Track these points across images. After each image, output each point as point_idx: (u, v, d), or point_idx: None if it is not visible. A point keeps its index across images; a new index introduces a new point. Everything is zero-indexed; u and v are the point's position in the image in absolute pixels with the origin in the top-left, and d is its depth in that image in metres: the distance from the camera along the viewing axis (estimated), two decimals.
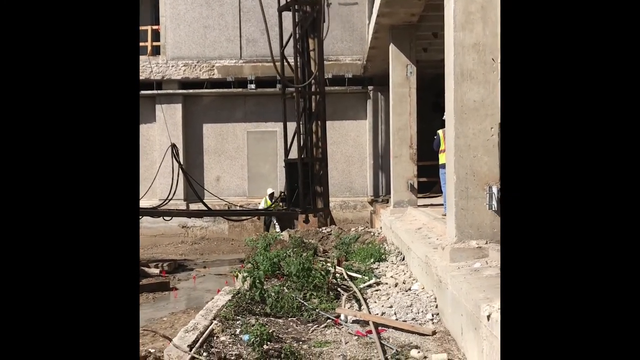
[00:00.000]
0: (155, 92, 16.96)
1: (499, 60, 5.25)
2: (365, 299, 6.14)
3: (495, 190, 5.19)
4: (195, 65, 17.14)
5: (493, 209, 5.23)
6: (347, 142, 17.34)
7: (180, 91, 17.27)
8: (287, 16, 13.82)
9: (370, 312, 5.63)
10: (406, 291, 6.27)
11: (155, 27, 17.59)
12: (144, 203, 14.12)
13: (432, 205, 11.13)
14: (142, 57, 16.42)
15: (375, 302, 6.08)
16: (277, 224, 14.77)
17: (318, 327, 5.33)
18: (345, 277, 7.25)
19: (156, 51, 17.49)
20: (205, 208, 14.17)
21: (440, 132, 8.65)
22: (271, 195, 15.38)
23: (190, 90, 17.27)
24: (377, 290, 6.60)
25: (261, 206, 15.43)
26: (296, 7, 13.46)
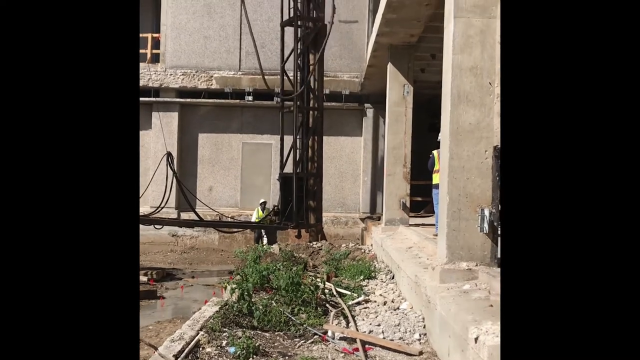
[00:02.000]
0: (152, 99, 16.98)
1: (496, 84, 5.31)
2: (353, 316, 6.12)
3: (487, 212, 5.21)
4: (194, 75, 17.19)
5: (484, 231, 5.25)
6: (342, 158, 17.39)
7: (178, 100, 17.30)
8: (289, 31, 13.92)
9: (358, 330, 5.61)
10: (395, 310, 6.25)
11: (155, 35, 17.66)
12: None
13: (423, 224, 11.14)
14: (141, 65, 16.48)
15: (364, 319, 6.06)
16: (265, 236, 14.73)
17: (305, 342, 5.30)
18: (335, 293, 7.23)
19: (155, 59, 17.55)
20: (197, 217, 14.11)
21: (435, 152, 8.69)
22: (263, 205, 15.35)
23: (188, 99, 17.31)
24: (365, 308, 6.58)
25: (253, 217, 15.39)
26: (299, 22, 13.56)
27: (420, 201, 14.13)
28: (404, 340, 5.32)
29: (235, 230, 15.69)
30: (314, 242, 12.71)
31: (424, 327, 5.51)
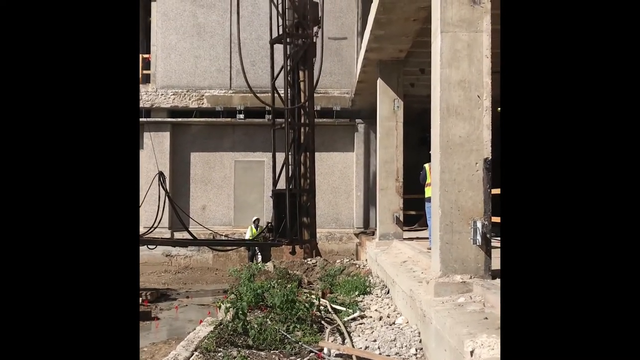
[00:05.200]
0: (144, 119, 16.97)
1: (484, 97, 5.35)
2: (349, 333, 6.08)
3: (479, 224, 5.21)
4: (185, 94, 17.23)
5: (477, 243, 5.25)
6: (334, 173, 17.42)
7: (169, 119, 17.31)
8: (278, 48, 14.01)
9: (353, 346, 5.57)
10: (390, 325, 6.22)
11: (146, 55, 17.72)
12: None
13: (417, 238, 11.13)
14: None
15: (359, 335, 6.02)
16: (259, 254, 14.66)
17: None
18: (330, 309, 7.19)
19: (146, 79, 17.59)
20: (190, 237, 14.06)
21: (427, 165, 8.71)
22: (256, 222, 15.32)
23: (179, 119, 17.33)
24: (361, 324, 6.54)
25: (247, 235, 15.35)
26: (288, 40, 13.66)
27: (414, 215, 14.14)
28: (400, 355, 5.29)
29: (229, 248, 15.63)
30: (309, 259, 12.67)
31: (420, 341, 5.48)
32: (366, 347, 5.51)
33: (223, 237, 15.74)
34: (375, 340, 5.66)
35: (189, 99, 17.23)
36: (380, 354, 5.31)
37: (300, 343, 5.64)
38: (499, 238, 7.47)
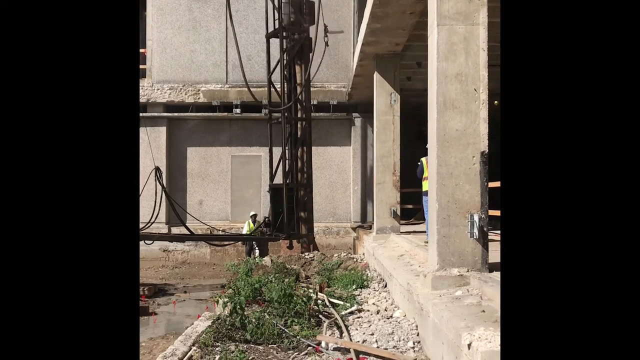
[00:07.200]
0: (139, 114, 16.91)
1: (481, 90, 5.35)
2: (346, 326, 6.09)
3: (476, 218, 5.22)
4: (181, 89, 17.17)
5: (474, 237, 5.26)
6: (331, 167, 17.41)
7: (165, 114, 17.25)
8: (275, 43, 13.97)
9: (351, 340, 5.58)
10: (388, 318, 6.24)
11: (141, 50, 17.63)
12: None
13: (414, 232, 11.15)
14: None
15: (357, 329, 6.04)
16: (256, 249, 14.68)
17: (299, 354, 5.27)
18: (327, 303, 7.21)
19: (142, 74, 17.50)
20: (187, 232, 14.05)
21: (423, 159, 8.72)
22: (253, 217, 15.32)
23: (175, 114, 17.27)
24: (358, 317, 6.55)
25: (244, 230, 15.35)
26: (284, 34, 13.62)
27: (411, 209, 14.15)
28: (397, 348, 5.31)
29: (227, 243, 15.62)
30: (306, 253, 12.68)
31: (418, 334, 5.50)
32: (364, 341, 5.52)
33: (220, 232, 15.74)
34: (372, 334, 5.67)
35: (185, 94, 17.17)
36: (377, 347, 5.32)
37: (298, 337, 5.65)
38: (496, 231, 7.50)
